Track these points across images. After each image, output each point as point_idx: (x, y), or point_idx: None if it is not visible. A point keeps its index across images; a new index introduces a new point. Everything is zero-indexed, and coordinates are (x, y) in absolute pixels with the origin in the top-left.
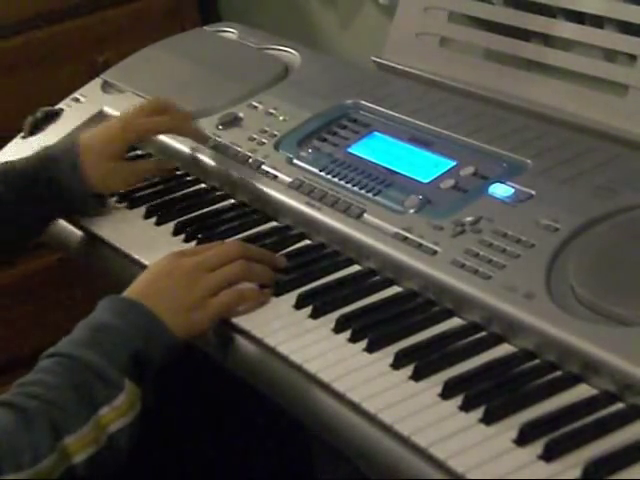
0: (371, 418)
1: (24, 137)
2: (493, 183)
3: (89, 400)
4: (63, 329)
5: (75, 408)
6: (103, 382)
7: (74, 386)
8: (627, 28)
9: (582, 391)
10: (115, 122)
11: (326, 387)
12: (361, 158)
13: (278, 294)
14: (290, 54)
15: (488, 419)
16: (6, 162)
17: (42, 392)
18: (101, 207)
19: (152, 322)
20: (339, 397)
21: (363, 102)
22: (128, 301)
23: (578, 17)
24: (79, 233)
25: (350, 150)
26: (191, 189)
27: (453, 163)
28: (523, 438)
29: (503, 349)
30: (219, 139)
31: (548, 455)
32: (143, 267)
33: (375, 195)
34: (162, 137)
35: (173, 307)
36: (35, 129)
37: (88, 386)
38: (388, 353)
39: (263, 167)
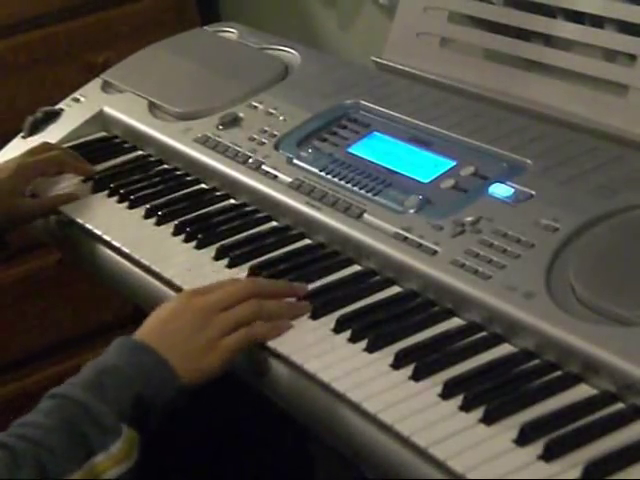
0: (371, 418)
1: (24, 137)
2: (493, 183)
3: (83, 445)
4: (63, 329)
5: (66, 452)
6: (100, 428)
7: (69, 430)
8: (627, 28)
9: (582, 391)
10: (8, 164)
11: (326, 387)
12: (361, 158)
13: None
14: (290, 54)
15: (488, 419)
16: None
17: (34, 434)
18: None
19: (159, 365)
20: (339, 397)
21: (363, 102)
22: (137, 344)
23: (578, 17)
24: (79, 233)
25: (350, 150)
26: (191, 189)
27: (453, 163)
28: (523, 438)
29: (503, 349)
30: (219, 139)
31: (548, 455)
32: (143, 267)
33: (375, 195)
34: (163, 137)
35: (183, 350)
36: (35, 129)
37: (84, 431)
38: (388, 353)
39: (263, 167)
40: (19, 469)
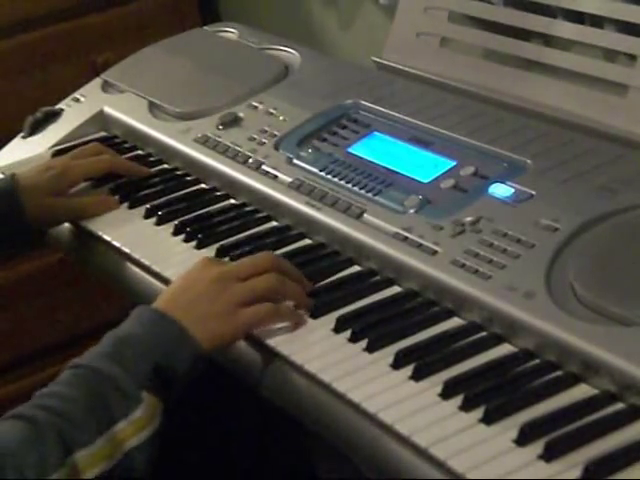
0: (371, 418)
1: (24, 137)
2: (493, 183)
3: (105, 413)
4: (64, 329)
5: (89, 422)
6: (120, 395)
7: (89, 399)
8: (627, 28)
9: (582, 391)
10: (57, 163)
11: (326, 387)
12: (361, 158)
13: None
14: (290, 54)
15: (488, 419)
16: None
17: (56, 404)
18: (40, 243)
19: (178, 333)
20: (339, 397)
21: (363, 102)
22: (155, 311)
23: (578, 17)
24: (79, 233)
25: (350, 150)
26: (191, 189)
27: (453, 163)
28: (523, 438)
29: (503, 349)
30: (219, 139)
31: (548, 455)
32: (143, 267)
33: (375, 195)
34: (163, 137)
35: (200, 316)
36: (35, 129)
37: (104, 399)
38: (388, 353)
39: (263, 167)
40: (42, 440)
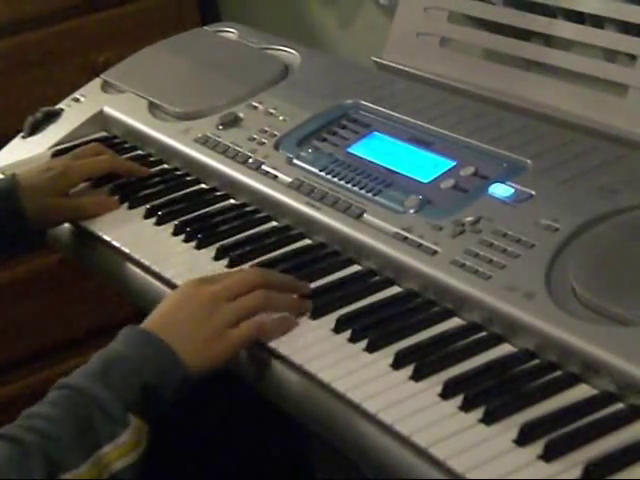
0: (371, 418)
1: (24, 137)
2: (493, 183)
3: (91, 436)
4: (64, 329)
5: (75, 444)
6: (107, 418)
7: (76, 421)
8: (627, 28)
9: (582, 391)
10: (58, 163)
11: (326, 387)
12: (361, 158)
13: None
14: (290, 54)
15: (488, 419)
16: None
17: (42, 426)
18: (40, 243)
19: (166, 355)
20: (339, 397)
21: (363, 102)
22: (144, 332)
23: (578, 17)
24: (79, 233)
25: (350, 150)
26: (191, 189)
27: (453, 163)
28: (523, 438)
29: (503, 349)
30: (219, 139)
31: (548, 455)
32: (143, 267)
33: (375, 195)
34: (163, 137)
35: (190, 339)
36: (35, 129)
37: (91, 421)
38: (388, 353)
39: (263, 167)
40: (27, 461)
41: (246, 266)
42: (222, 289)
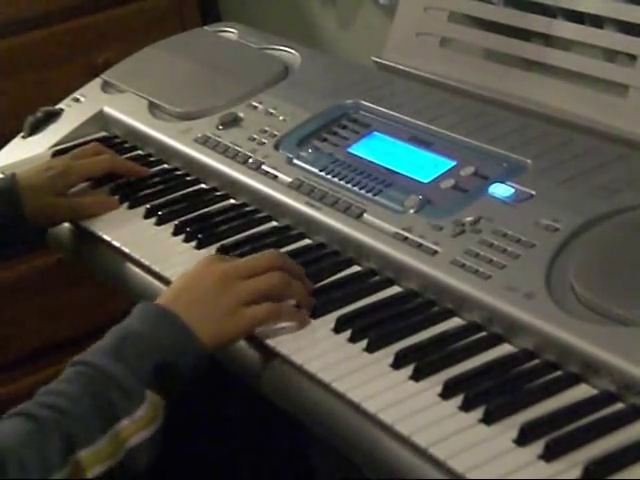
0: (371, 418)
1: (24, 137)
2: (493, 183)
3: (107, 411)
4: (64, 329)
5: (91, 420)
6: (123, 393)
7: (92, 396)
8: (627, 28)
9: (582, 391)
10: (57, 163)
11: (326, 387)
12: (361, 158)
13: None
14: (290, 54)
15: (488, 419)
16: None
17: (59, 402)
18: (40, 243)
19: (181, 331)
20: (339, 397)
21: (363, 102)
22: (158, 308)
23: (578, 17)
24: (79, 233)
25: (350, 150)
26: (191, 189)
27: (453, 163)
28: (523, 438)
29: (503, 349)
30: (219, 139)
31: (548, 455)
32: (143, 267)
33: (375, 195)
34: (163, 137)
35: (204, 314)
36: (35, 129)
37: (107, 397)
38: (388, 353)
39: (263, 167)
40: (45, 438)
41: None
42: (236, 267)
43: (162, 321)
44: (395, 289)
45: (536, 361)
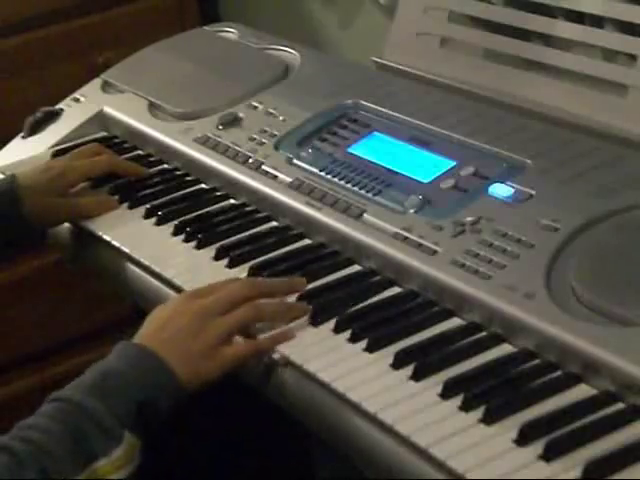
0: (371, 418)
1: (24, 137)
2: (493, 183)
3: (85, 449)
4: (63, 329)
5: (69, 456)
6: (102, 432)
7: (71, 433)
8: (627, 28)
9: (582, 391)
10: (57, 163)
11: (326, 387)
12: (361, 158)
13: None
14: (290, 54)
15: (488, 419)
16: None
17: (36, 437)
18: (41, 242)
19: (161, 371)
20: (339, 397)
21: (363, 102)
22: (139, 348)
23: (578, 17)
24: (79, 233)
25: (350, 150)
26: (191, 189)
27: (453, 163)
28: (523, 438)
29: (503, 349)
30: (219, 139)
31: (548, 455)
32: (143, 267)
33: (375, 195)
34: (163, 137)
35: (182, 355)
36: (35, 129)
37: (86, 435)
38: (388, 353)
39: (263, 167)
40: (21, 471)
41: (246, 267)
42: (212, 303)
43: (142, 360)
44: (395, 289)
45: (536, 361)
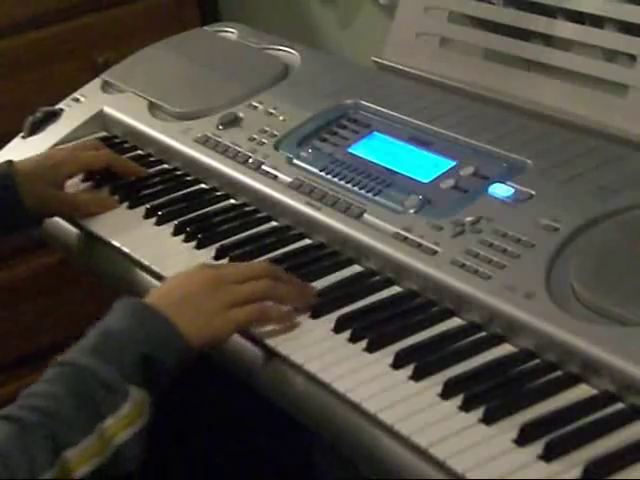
0: (371, 418)
1: (24, 137)
2: (493, 183)
3: (92, 410)
4: (63, 329)
5: (77, 419)
6: (107, 390)
7: (76, 396)
8: (627, 28)
9: (582, 391)
10: (57, 153)
11: (326, 387)
12: (361, 158)
13: None
14: (290, 54)
15: (488, 419)
16: None
17: (42, 403)
18: (38, 226)
19: (164, 326)
20: (339, 397)
21: (363, 102)
22: (140, 304)
23: (578, 17)
24: (79, 233)
25: (350, 150)
26: (191, 189)
27: (453, 163)
28: (523, 438)
29: (503, 349)
30: (219, 139)
31: (548, 455)
32: (143, 267)
33: (375, 195)
34: (163, 137)
35: (189, 313)
36: (35, 129)
37: (91, 395)
38: (388, 353)
39: (263, 167)
40: (31, 440)
41: None
42: (228, 272)
43: (144, 316)
44: (395, 289)
45: (536, 361)
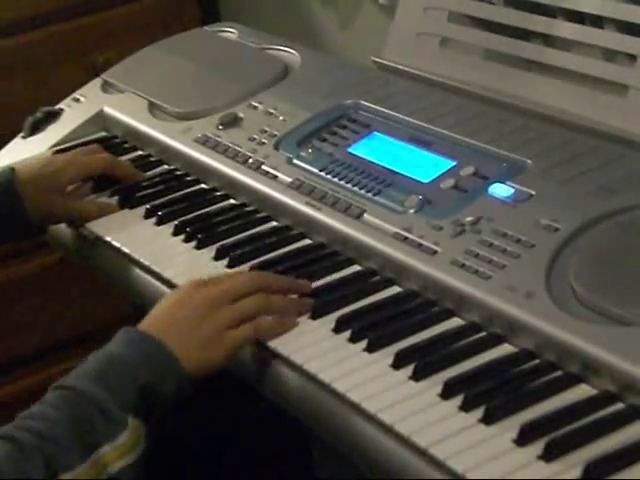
0: (371, 418)
1: (24, 137)
2: (493, 183)
3: (89, 436)
4: (63, 328)
5: (73, 444)
6: (105, 418)
7: (75, 421)
8: (627, 28)
9: (582, 391)
10: (57, 159)
11: (326, 387)
12: (361, 158)
13: None
14: (290, 54)
15: (488, 419)
16: None
17: (40, 426)
18: (41, 234)
19: (165, 356)
20: (339, 397)
21: (363, 102)
22: (141, 334)
23: (578, 17)
24: (79, 233)
25: (350, 150)
26: (191, 189)
27: (453, 163)
28: (523, 438)
29: (503, 349)
30: (219, 139)
31: (548, 455)
32: (143, 267)
33: (375, 195)
34: (163, 137)
35: (187, 341)
36: (35, 129)
37: (89, 422)
38: (388, 353)
39: (263, 167)
40: (26, 462)
41: (246, 267)
42: (221, 292)
43: (146, 347)
44: (395, 289)
45: (536, 361)
